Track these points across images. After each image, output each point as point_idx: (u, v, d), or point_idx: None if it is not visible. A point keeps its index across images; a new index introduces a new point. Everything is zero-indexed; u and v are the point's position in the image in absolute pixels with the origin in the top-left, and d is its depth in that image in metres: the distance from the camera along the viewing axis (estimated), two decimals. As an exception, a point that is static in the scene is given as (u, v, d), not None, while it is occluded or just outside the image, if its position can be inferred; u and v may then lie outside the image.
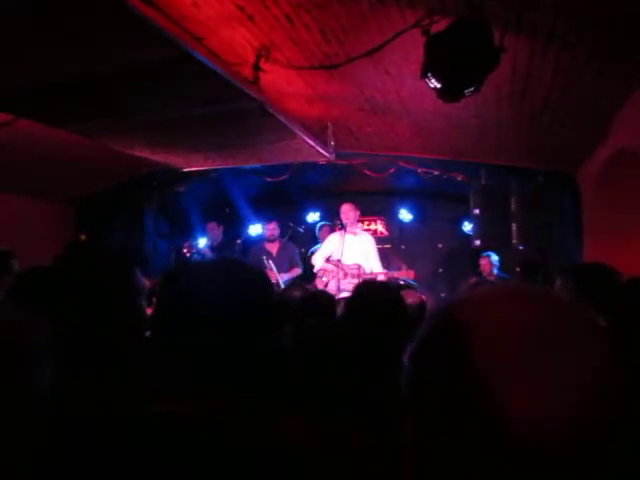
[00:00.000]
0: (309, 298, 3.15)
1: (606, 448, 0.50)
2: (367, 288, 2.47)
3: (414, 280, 6.28)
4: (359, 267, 5.98)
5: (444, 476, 0.56)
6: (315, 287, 6.16)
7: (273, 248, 6.86)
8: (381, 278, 5.88)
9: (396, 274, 6.12)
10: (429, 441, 0.58)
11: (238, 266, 1.16)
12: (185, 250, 7.00)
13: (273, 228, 6.91)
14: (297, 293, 3.44)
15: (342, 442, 1.03)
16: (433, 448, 0.57)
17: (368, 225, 8.69)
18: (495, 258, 6.64)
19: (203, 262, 1.74)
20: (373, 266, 6.05)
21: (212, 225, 7.32)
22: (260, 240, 7.35)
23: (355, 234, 6.18)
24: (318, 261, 6.35)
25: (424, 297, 3.05)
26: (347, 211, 6.11)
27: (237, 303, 1.05)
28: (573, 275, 2.69)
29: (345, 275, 5.92)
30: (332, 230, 7.18)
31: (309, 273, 6.79)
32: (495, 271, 6.66)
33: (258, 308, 1.07)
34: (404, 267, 6.60)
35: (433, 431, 0.57)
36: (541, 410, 0.51)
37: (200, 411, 0.96)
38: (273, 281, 6.29)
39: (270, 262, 6.58)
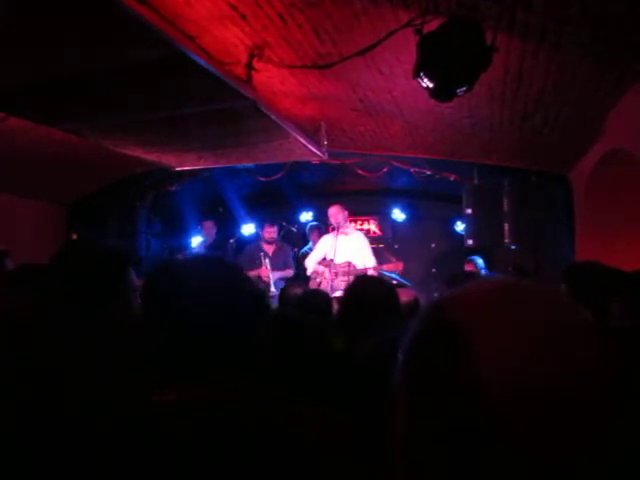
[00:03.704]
0: (306, 296, 3.21)
1: (587, 447, 0.51)
2: (361, 282, 2.50)
3: (403, 272, 6.30)
4: (349, 264, 6.01)
5: (436, 472, 0.56)
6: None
7: (270, 249, 6.93)
8: (371, 273, 5.91)
9: (385, 267, 6.15)
10: (421, 437, 0.58)
11: (217, 263, 1.23)
12: None
13: (274, 231, 7.02)
14: (298, 290, 3.51)
15: (340, 434, 1.04)
16: (425, 444, 0.57)
17: (361, 225, 8.70)
18: (480, 261, 6.64)
19: (185, 260, 1.79)
20: (367, 262, 6.08)
21: (209, 224, 7.37)
22: (256, 239, 7.37)
23: (347, 234, 6.21)
24: (310, 264, 6.41)
25: (417, 295, 3.07)
26: (335, 213, 6.17)
27: (223, 298, 1.10)
28: (565, 274, 2.71)
29: (336, 275, 5.95)
30: (321, 231, 7.21)
31: (302, 273, 6.84)
32: (482, 273, 6.65)
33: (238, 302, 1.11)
34: (393, 259, 6.62)
35: (425, 428, 0.57)
36: (526, 408, 0.51)
37: (201, 398, 0.98)
38: (264, 278, 6.40)
39: (267, 260, 6.68)
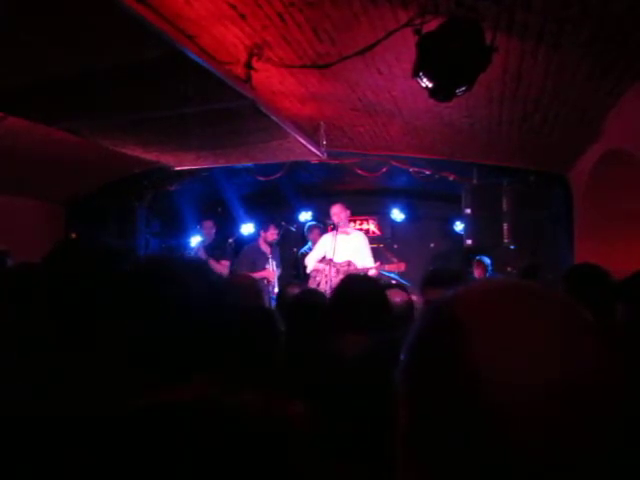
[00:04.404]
0: (302, 296, 3.20)
1: (587, 448, 0.51)
2: (348, 281, 2.49)
3: (405, 272, 6.29)
4: (349, 263, 6.03)
5: (437, 472, 0.56)
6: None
7: (268, 250, 6.95)
8: (372, 272, 5.91)
9: (387, 267, 6.15)
10: (422, 437, 0.58)
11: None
12: None
13: (277, 233, 7.09)
14: (297, 290, 3.51)
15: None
16: (426, 444, 0.57)
17: (360, 225, 8.71)
18: (487, 261, 6.63)
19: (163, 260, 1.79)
20: (366, 262, 6.09)
21: (209, 223, 7.36)
22: (254, 240, 7.38)
23: (347, 233, 6.24)
24: (310, 263, 6.44)
25: (412, 296, 3.07)
26: (338, 212, 6.18)
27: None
28: (565, 277, 2.72)
29: (337, 273, 5.95)
30: (321, 230, 7.23)
31: (302, 273, 6.86)
32: (489, 274, 6.64)
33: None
34: (395, 260, 6.61)
35: (426, 428, 0.58)
36: (526, 408, 0.51)
37: (199, 398, 0.98)
38: (271, 280, 6.45)
39: (273, 262, 6.78)
